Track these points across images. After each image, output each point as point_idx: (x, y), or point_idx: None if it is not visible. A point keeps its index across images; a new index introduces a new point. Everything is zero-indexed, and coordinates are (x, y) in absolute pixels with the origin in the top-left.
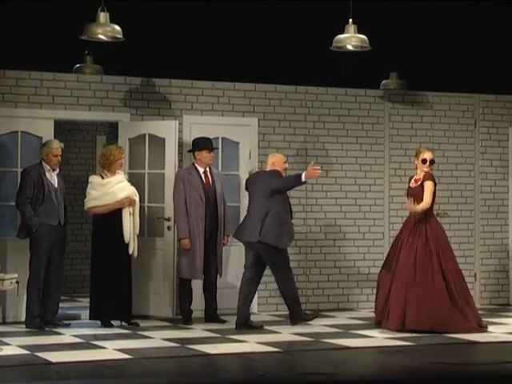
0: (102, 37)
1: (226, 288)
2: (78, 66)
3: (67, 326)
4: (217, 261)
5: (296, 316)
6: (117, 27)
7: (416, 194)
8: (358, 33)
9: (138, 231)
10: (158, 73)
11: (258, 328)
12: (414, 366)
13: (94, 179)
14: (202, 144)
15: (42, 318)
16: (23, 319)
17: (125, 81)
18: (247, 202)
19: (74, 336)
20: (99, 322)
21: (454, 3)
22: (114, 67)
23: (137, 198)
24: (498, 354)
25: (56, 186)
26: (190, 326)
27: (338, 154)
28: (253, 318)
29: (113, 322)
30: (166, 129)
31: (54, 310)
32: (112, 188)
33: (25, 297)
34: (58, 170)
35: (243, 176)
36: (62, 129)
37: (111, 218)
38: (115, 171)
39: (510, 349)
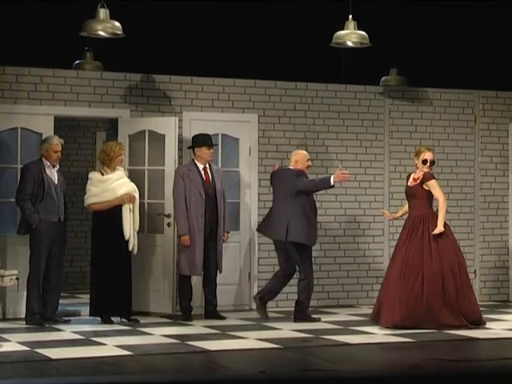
0: (101, 33)
1: (225, 284)
2: (77, 62)
3: (67, 322)
4: (217, 257)
5: (301, 314)
6: (117, 23)
7: (415, 194)
8: (358, 29)
9: (137, 228)
10: (157, 69)
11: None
12: (413, 363)
13: (94, 176)
14: (202, 140)
15: (42, 315)
16: (23, 316)
17: (125, 77)
18: (272, 198)
19: (74, 332)
20: (99, 318)
21: (454, 0)
22: (114, 63)
23: (137, 195)
24: (498, 351)
25: (56, 182)
26: (189, 323)
27: (337, 150)
28: (252, 314)
29: (113, 318)
30: (166, 125)
31: (54, 306)
32: (112, 184)
33: (25, 293)
34: (58, 166)
35: (243, 172)
36: (62, 125)
37: (111, 214)
38: (115, 167)
39: (510, 345)
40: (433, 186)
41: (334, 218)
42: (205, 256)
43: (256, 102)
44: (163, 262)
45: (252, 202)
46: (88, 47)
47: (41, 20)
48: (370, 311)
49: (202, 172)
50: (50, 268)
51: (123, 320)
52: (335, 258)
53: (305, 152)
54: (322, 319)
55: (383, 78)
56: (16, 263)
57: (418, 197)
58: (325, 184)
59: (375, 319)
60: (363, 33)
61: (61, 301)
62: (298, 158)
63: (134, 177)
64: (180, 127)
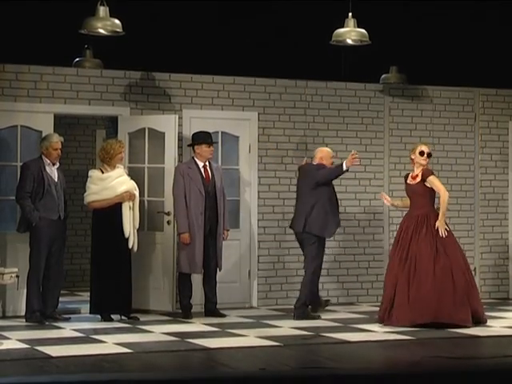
0: (101, 31)
1: (225, 282)
2: (77, 60)
3: (67, 320)
4: (216, 255)
5: (299, 311)
6: (116, 21)
7: (416, 191)
8: (358, 27)
9: (137, 225)
10: (157, 67)
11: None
12: (413, 360)
13: (94, 173)
14: (202, 138)
15: (42, 312)
16: (23, 313)
17: (124, 75)
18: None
19: (74, 330)
20: (99, 316)
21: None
22: (114, 61)
23: (136, 193)
24: (498, 348)
25: (56, 180)
26: (189, 320)
27: (337, 148)
28: (252, 312)
29: (113, 316)
30: (166, 123)
31: (54, 304)
32: (112, 182)
33: (25, 291)
34: (58, 164)
35: (243, 170)
36: (62, 123)
37: (111, 212)
38: (115, 165)
39: (510, 343)
40: (432, 181)
41: None
42: (205, 254)
43: (256, 100)
44: (163, 259)
45: (252, 199)
46: (88, 45)
47: (40, 18)
48: (370, 309)
49: (202, 170)
50: (49, 266)
51: (123, 318)
52: (335, 256)
53: (329, 149)
54: (322, 317)
55: (383, 76)
56: (16, 261)
57: (420, 195)
58: (338, 170)
59: (386, 319)
60: (363, 30)
61: (61, 298)
62: (323, 155)
63: (133, 175)
64: (180, 125)
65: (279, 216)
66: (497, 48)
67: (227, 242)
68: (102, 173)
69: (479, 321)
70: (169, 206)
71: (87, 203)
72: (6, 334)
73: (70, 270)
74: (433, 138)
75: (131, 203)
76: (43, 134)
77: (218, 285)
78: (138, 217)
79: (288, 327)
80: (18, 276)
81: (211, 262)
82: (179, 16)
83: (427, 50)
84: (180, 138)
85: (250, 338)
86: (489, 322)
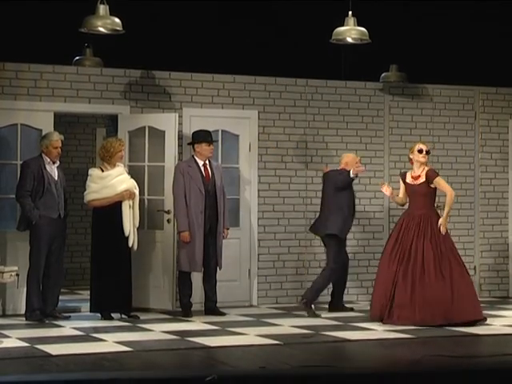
0: (101, 29)
1: (225, 281)
2: (77, 58)
3: (67, 318)
4: (216, 254)
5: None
6: (116, 20)
7: (420, 192)
8: (358, 25)
9: (137, 224)
10: (157, 65)
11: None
12: (413, 359)
13: (94, 172)
14: (202, 137)
15: (42, 311)
16: (23, 312)
17: (124, 73)
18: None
19: (74, 328)
20: (99, 314)
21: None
22: (114, 60)
23: (136, 191)
24: (498, 347)
25: (56, 178)
26: (189, 319)
27: (337, 146)
28: (252, 310)
29: (113, 314)
30: (166, 121)
31: (54, 302)
32: (112, 181)
33: (25, 289)
34: (58, 162)
35: (243, 169)
36: (62, 121)
37: (111, 210)
38: (115, 164)
39: (510, 341)
40: (438, 182)
41: None
42: (205, 252)
43: (256, 99)
44: (163, 258)
45: (252, 198)
46: (88, 43)
47: (40, 16)
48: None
49: (202, 168)
50: (49, 264)
51: (123, 316)
52: None
53: (354, 155)
54: (322, 315)
55: (383, 75)
56: (16, 259)
57: (422, 195)
58: (348, 177)
59: (386, 317)
60: (363, 29)
61: (61, 297)
62: (348, 160)
63: (133, 173)
64: (180, 123)
65: (279, 214)
66: (497, 46)
67: (227, 240)
68: (102, 171)
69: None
70: (169, 204)
71: (87, 202)
72: (5, 332)
73: (70, 269)
74: (433, 137)
75: (131, 202)
76: (43, 133)
77: (217, 283)
78: (137, 215)
79: (288, 326)
80: (17, 274)
81: (211, 261)
82: (179, 14)
83: (427, 48)
84: (180, 137)
85: (250, 337)
86: (489, 321)
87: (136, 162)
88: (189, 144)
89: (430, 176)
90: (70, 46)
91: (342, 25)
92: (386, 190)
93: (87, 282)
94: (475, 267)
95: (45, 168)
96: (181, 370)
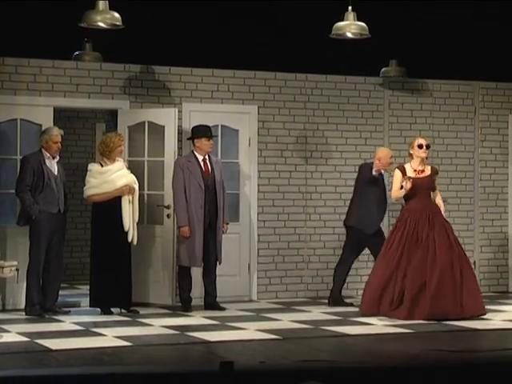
0: (101, 24)
1: (225, 275)
2: (77, 53)
3: (67, 313)
4: (216, 248)
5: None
6: (116, 14)
7: (428, 185)
8: (358, 20)
9: (137, 219)
10: (157, 60)
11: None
12: (412, 354)
13: (94, 167)
14: (202, 132)
15: (42, 306)
16: (23, 306)
17: (124, 68)
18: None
19: (74, 323)
20: (99, 309)
21: None
22: (114, 55)
23: (136, 186)
24: (498, 342)
25: (56, 173)
26: (189, 314)
27: (337, 141)
28: (252, 305)
29: (112, 309)
30: (166, 116)
31: (53, 297)
32: (111, 176)
33: (24, 284)
34: (57, 157)
35: (242, 164)
36: (62, 116)
37: (110, 205)
38: (115, 159)
39: (510, 336)
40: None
41: (333, 209)
42: (204, 247)
43: (256, 94)
44: (163, 253)
45: (252, 193)
46: (87, 38)
47: (40, 11)
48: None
49: (202, 163)
50: (49, 259)
51: (123, 311)
52: (334, 249)
53: (388, 150)
54: (321, 310)
55: (383, 69)
56: (16, 254)
57: (428, 188)
58: (369, 173)
59: (395, 311)
60: (363, 24)
61: (61, 292)
62: (382, 155)
63: (133, 168)
64: (179, 118)
65: (279, 209)
66: (497, 41)
67: (227, 235)
68: (102, 166)
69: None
70: (168, 199)
71: (87, 197)
72: (5, 327)
73: (69, 264)
74: (432, 132)
75: (131, 197)
76: (43, 128)
77: (217, 278)
78: (137, 210)
79: (288, 320)
80: (17, 269)
81: (211, 256)
82: (179, 9)
83: (427, 43)
84: (180, 132)
85: (250, 332)
86: (488, 316)
87: (136, 157)
88: (188, 139)
89: (436, 170)
90: (69, 40)
91: (342, 20)
92: (408, 184)
93: (87, 276)
94: (475, 262)
95: (44, 163)
96: (180, 365)
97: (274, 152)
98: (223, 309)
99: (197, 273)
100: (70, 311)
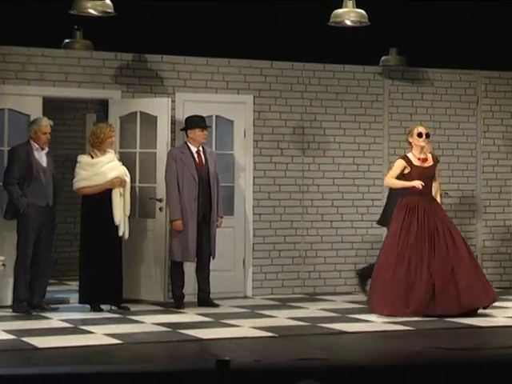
0: (92, 11)
1: (219, 271)
2: (67, 41)
3: (55, 310)
4: (210, 243)
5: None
6: (107, 1)
7: (430, 175)
8: (357, 7)
9: (128, 212)
10: (149, 48)
11: None
12: (412, 351)
13: (83, 159)
14: (195, 122)
15: (29, 302)
16: (10, 303)
17: (115, 57)
18: None
19: (63, 320)
20: (88, 306)
21: None
22: (105, 43)
23: (127, 178)
24: (502, 339)
25: (44, 165)
26: (182, 310)
27: (335, 132)
28: (247, 301)
29: (102, 306)
30: (158, 106)
31: (41, 293)
32: (102, 168)
33: (11, 280)
34: (46, 148)
35: (238, 155)
36: (51, 106)
37: (101, 198)
38: (105, 150)
39: None
40: (438, 168)
41: (331, 202)
42: (198, 241)
43: (251, 83)
44: (155, 247)
45: (247, 185)
46: (78, 26)
47: None
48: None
49: (196, 155)
50: (38, 252)
51: (113, 308)
52: (332, 244)
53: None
54: (317, 307)
55: (383, 58)
56: (2, 249)
57: (431, 178)
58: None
59: (430, 309)
60: (362, 11)
61: (49, 288)
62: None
63: (124, 160)
64: (173, 108)
65: (275, 203)
66: (500, 29)
67: (221, 229)
68: (92, 158)
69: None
70: (161, 192)
71: (76, 189)
72: None
73: (58, 259)
74: (434, 122)
75: (122, 189)
76: (32, 118)
77: (211, 274)
78: (128, 203)
79: (283, 317)
80: (4, 265)
81: (204, 250)
82: None
83: (428, 31)
84: (173, 122)
85: (245, 329)
86: (492, 312)
87: (127, 148)
88: (182, 130)
89: (437, 159)
90: (59, 28)
91: (341, 7)
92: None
93: (76, 272)
94: (477, 256)
95: (33, 154)
96: (173, 364)
97: (270, 143)
98: (217, 305)
99: (190, 268)
100: (58, 308)
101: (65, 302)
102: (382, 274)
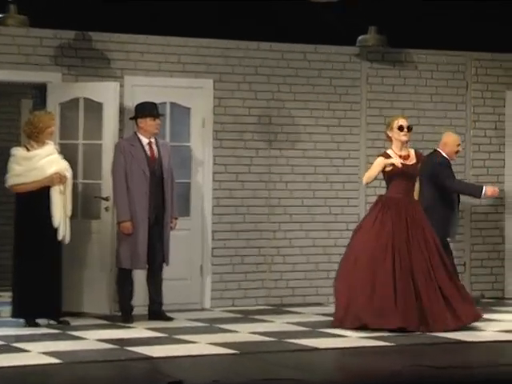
0: None
1: (173, 279)
2: None
3: None
4: (163, 247)
5: None
6: None
7: (414, 174)
8: None
9: (69, 213)
10: (95, 26)
11: None
12: (393, 370)
13: (18, 152)
14: (147, 110)
15: None
16: None
17: (55, 35)
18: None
19: None
20: (23, 320)
21: None
22: (43, 19)
23: (68, 174)
24: (491, 356)
25: None
26: (130, 325)
27: (306, 121)
28: (204, 314)
29: (39, 320)
30: (105, 92)
31: None
32: (39, 162)
33: None
34: None
35: (195, 147)
36: None
37: (38, 197)
38: (44, 142)
39: (505, 349)
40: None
41: (301, 201)
42: (149, 246)
43: (211, 66)
44: (100, 252)
45: (205, 182)
46: None
47: None
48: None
49: (147, 147)
50: None
51: (51, 322)
52: (302, 248)
53: (456, 136)
54: (285, 320)
55: (360, 38)
56: None
57: (414, 178)
58: (475, 192)
59: (426, 326)
60: None
61: None
62: (448, 141)
63: (66, 153)
64: (121, 94)
65: (237, 202)
66: (492, 6)
67: (176, 232)
68: (28, 151)
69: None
70: (107, 189)
71: (10, 186)
72: None
73: None
74: (417, 111)
75: (62, 187)
76: None
77: (164, 283)
78: (70, 202)
79: (246, 332)
80: None
81: (157, 256)
82: None
83: (411, 8)
84: (121, 110)
85: (202, 345)
86: (480, 326)
87: (69, 139)
88: (131, 118)
89: (421, 156)
90: None
91: None
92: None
93: (8, 281)
94: (465, 263)
95: None
96: None
97: (231, 134)
98: (170, 319)
99: (140, 276)
100: None
101: None
102: (344, 279)
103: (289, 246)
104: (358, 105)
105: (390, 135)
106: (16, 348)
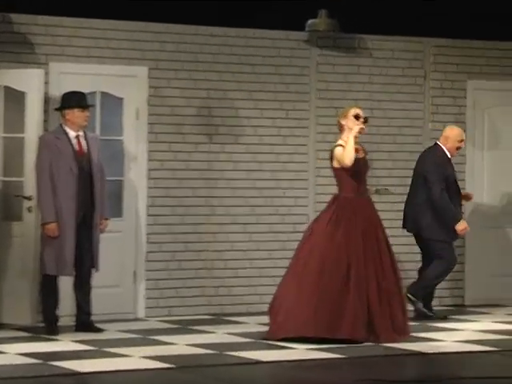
0: None
1: (103, 287)
2: None
3: None
4: (92, 251)
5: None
6: None
7: (366, 169)
8: None
9: None
10: (16, 6)
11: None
12: None
13: None
14: (74, 100)
15: None
16: None
17: None
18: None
19: None
20: None
21: None
22: None
23: None
24: (452, 368)
25: None
26: (55, 337)
27: (250, 113)
28: (138, 325)
29: None
30: (27, 80)
31: None
32: None
33: None
34: None
35: (128, 141)
36: None
37: None
38: None
39: (466, 361)
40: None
41: (244, 200)
42: (77, 250)
43: (145, 52)
44: (21, 257)
45: (139, 179)
46: None
47: None
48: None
49: (74, 141)
50: None
51: None
52: (245, 252)
53: (460, 130)
54: (226, 330)
55: (309, 22)
56: None
57: (365, 172)
58: (450, 220)
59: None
60: None
61: None
62: (450, 135)
63: None
64: (46, 83)
65: (174, 201)
66: None
67: (106, 234)
68: None
69: None
70: (30, 188)
71: None
72: None
73: None
74: (371, 102)
75: None
76: None
77: (93, 290)
78: None
79: (183, 344)
80: None
81: (85, 261)
82: None
83: None
84: (46, 100)
85: (135, 359)
86: (439, 336)
87: None
88: (57, 109)
89: (366, 152)
90: None
91: None
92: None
93: None
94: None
95: None
96: None
97: (168, 127)
98: (100, 330)
99: (66, 284)
100: None
101: None
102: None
103: (231, 250)
104: (307, 95)
105: (343, 123)
106: None
